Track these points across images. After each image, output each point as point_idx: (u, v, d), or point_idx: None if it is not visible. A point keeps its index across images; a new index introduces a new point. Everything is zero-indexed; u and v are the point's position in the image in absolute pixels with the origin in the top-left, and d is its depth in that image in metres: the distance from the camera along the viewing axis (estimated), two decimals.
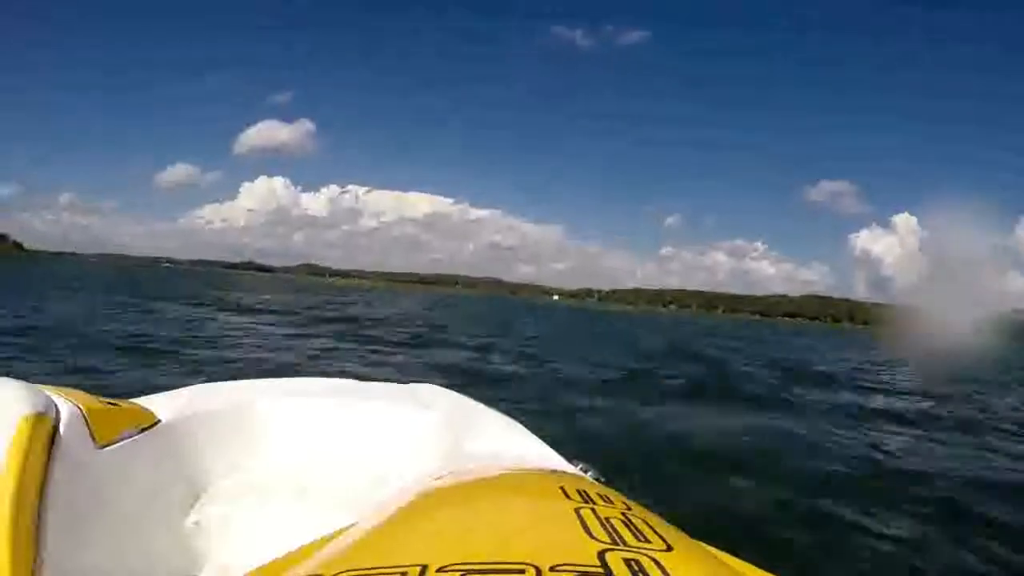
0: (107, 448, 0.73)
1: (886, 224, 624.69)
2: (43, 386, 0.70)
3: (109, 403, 0.81)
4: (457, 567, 0.34)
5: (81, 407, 0.70)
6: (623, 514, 0.46)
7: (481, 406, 1.23)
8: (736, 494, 2.78)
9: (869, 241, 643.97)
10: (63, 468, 0.61)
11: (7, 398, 0.63)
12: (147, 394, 1.08)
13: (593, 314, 31.38)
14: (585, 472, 0.86)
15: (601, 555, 0.36)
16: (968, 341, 14.68)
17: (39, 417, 0.61)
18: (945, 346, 13.34)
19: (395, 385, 1.42)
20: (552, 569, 0.33)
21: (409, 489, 0.60)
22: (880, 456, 4.03)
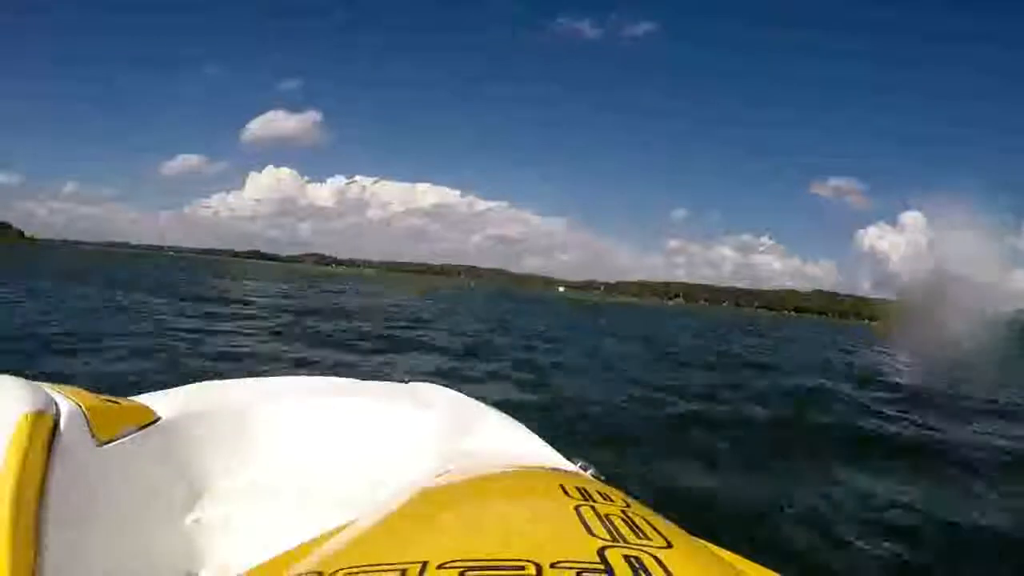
0: (107, 446, 0.72)
1: (893, 221, 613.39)
2: (43, 384, 0.70)
3: (109, 401, 0.80)
4: (457, 564, 0.34)
5: (81, 405, 0.70)
6: (623, 511, 0.46)
7: (481, 405, 1.20)
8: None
9: (876, 238, 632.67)
10: (63, 466, 0.60)
11: (7, 396, 0.63)
12: (146, 392, 1.07)
13: (608, 312, 29.62)
14: (585, 470, 0.85)
15: (601, 552, 0.36)
16: (975, 340, 14.02)
17: (39, 415, 0.61)
18: (950, 345, 13.03)
19: (395, 384, 1.40)
20: (552, 566, 0.33)
21: (409, 487, 0.59)
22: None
